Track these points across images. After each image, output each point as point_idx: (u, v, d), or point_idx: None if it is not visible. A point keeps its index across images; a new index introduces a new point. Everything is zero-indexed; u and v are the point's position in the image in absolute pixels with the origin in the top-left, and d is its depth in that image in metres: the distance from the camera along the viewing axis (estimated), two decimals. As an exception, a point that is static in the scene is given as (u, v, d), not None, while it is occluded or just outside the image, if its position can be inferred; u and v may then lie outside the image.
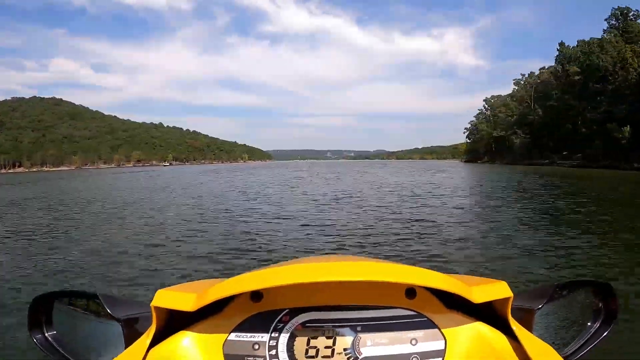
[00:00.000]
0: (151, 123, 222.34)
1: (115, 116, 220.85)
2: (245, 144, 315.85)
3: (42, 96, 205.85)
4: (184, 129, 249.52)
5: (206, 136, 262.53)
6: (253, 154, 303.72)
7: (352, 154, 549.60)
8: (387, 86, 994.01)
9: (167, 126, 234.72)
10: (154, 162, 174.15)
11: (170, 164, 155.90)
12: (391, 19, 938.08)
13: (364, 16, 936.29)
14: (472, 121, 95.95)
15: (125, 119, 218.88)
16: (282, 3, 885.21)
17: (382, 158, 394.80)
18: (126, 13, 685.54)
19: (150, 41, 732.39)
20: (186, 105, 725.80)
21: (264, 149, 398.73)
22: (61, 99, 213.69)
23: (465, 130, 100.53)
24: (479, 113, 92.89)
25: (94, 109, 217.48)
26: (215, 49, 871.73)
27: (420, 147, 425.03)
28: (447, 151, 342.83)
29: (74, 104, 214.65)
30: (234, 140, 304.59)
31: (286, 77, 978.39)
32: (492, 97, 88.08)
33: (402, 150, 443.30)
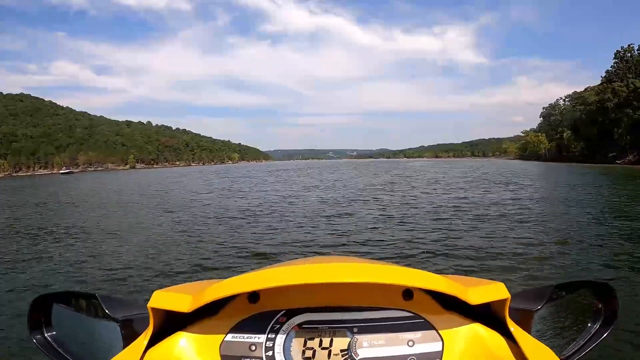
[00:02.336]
0: (125, 120, 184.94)
1: (85, 112, 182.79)
2: (240, 143, 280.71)
3: (8, 92, 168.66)
4: (174, 128, 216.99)
5: (197, 135, 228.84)
6: (247, 153, 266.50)
7: (355, 153, 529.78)
8: (388, 85, 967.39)
9: (156, 125, 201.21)
10: (110, 166, 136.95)
11: (71, 172, 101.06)
12: (392, 17, 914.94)
13: (365, 15, 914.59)
14: (573, 94, 58.09)
15: (99, 115, 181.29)
16: (282, 2, 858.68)
17: (388, 157, 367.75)
18: (126, 15, 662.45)
19: (151, 43, 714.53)
20: (188, 107, 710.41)
21: (266, 149, 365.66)
22: (29, 95, 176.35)
23: (544, 117, 63.96)
24: (608, 75, 54.58)
25: (65, 106, 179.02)
26: (216, 49, 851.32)
27: (426, 145, 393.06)
28: (462, 148, 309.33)
29: (42, 100, 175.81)
30: (227, 139, 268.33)
31: (288, 77, 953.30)
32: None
33: (410, 149, 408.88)
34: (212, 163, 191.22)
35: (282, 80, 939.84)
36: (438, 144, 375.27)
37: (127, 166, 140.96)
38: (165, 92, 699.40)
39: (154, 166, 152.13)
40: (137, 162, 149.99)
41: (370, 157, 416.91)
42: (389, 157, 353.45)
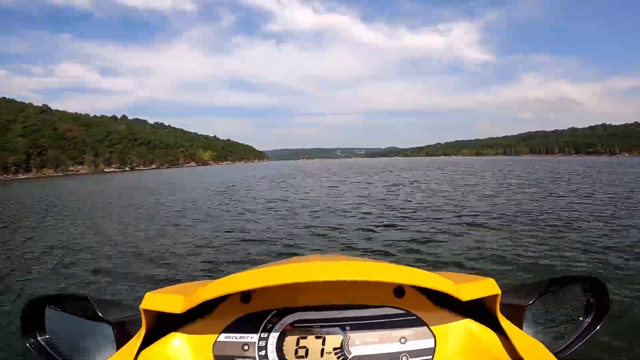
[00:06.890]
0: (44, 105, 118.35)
1: (10, 99, 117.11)
2: (229, 139, 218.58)
3: None
4: (150, 122, 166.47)
5: (177, 129, 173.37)
6: (232, 151, 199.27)
7: (363, 152, 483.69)
8: (395, 83, 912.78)
9: (131, 119, 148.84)
10: None
11: None
12: (396, 15, 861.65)
13: (370, 13, 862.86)
14: None
15: (25, 102, 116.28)
16: (286, 2, 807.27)
17: (406, 155, 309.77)
18: (131, 16, 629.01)
19: (156, 44, 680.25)
20: (192, 107, 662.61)
21: (271, 148, 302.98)
22: None
23: None
24: None
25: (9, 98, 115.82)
26: (221, 49, 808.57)
27: (442, 143, 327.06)
28: (514, 143, 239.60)
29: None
30: (213, 135, 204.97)
31: (293, 76, 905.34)
32: None
33: (428, 146, 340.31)
34: (152, 166, 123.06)
35: (287, 79, 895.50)
36: (463, 140, 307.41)
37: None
38: (170, 93, 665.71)
39: (18, 176, 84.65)
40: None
41: (384, 155, 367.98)
42: (406, 155, 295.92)
